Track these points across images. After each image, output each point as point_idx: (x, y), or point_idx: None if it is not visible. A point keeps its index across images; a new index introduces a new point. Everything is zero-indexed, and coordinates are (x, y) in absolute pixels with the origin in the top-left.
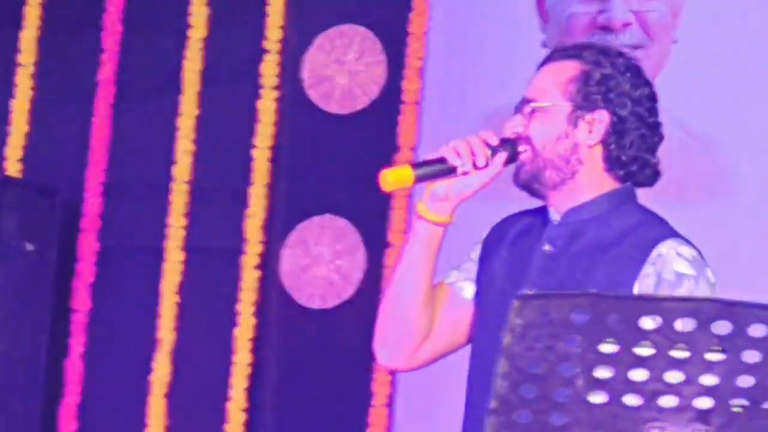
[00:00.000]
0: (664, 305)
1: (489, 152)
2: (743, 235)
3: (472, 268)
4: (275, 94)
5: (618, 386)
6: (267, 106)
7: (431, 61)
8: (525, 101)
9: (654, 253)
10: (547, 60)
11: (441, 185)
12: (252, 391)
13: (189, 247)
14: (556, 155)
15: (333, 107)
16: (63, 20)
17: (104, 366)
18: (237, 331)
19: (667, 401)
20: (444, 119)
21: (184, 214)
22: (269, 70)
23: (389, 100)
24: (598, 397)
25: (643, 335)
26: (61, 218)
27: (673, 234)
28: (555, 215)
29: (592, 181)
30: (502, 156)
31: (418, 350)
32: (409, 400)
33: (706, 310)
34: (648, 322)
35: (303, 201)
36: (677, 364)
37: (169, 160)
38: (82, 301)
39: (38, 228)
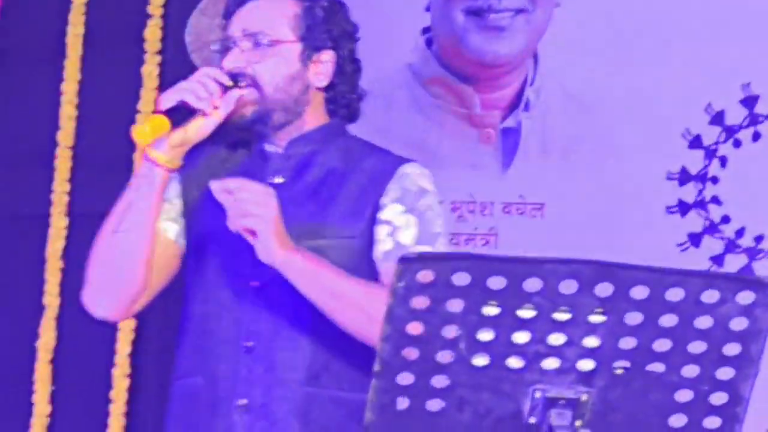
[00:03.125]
0: (546, 267)
1: (233, 93)
2: (618, 192)
3: (171, 208)
4: (158, 58)
5: (501, 348)
6: (150, 71)
7: None
8: (249, 34)
9: (399, 172)
10: None
11: (178, 131)
12: (135, 357)
13: (73, 213)
14: (287, 96)
15: None
16: None
17: None
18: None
19: (550, 363)
20: None
21: (68, 179)
22: (153, 35)
23: None
24: (481, 360)
25: (525, 297)
26: None
27: (408, 159)
28: (272, 148)
29: (315, 119)
30: (235, 94)
31: (138, 299)
32: None
33: (587, 272)
34: (530, 284)
35: None
36: (560, 326)
37: (51, 130)
38: None
39: None
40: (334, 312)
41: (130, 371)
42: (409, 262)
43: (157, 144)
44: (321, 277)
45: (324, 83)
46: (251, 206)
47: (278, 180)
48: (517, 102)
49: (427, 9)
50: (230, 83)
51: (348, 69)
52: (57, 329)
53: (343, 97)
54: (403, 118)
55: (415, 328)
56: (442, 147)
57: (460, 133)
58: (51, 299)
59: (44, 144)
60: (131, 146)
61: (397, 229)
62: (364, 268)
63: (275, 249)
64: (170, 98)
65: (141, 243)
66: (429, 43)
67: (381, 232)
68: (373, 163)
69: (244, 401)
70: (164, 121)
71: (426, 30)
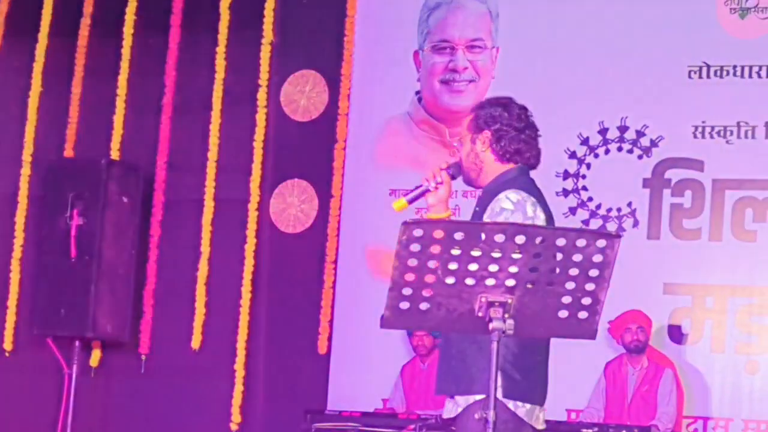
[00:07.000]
0: (487, 227)
1: (443, 174)
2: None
3: None
4: (265, 110)
5: (461, 273)
6: (261, 118)
7: (354, 90)
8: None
9: (495, 198)
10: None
11: (429, 199)
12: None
13: (217, 198)
14: (469, 163)
15: (298, 117)
16: (143, 67)
17: (168, 267)
18: (246, 247)
19: (490, 282)
20: (361, 125)
21: (215, 179)
22: (262, 96)
23: (330, 113)
24: (450, 280)
25: (475, 244)
26: (143, 183)
27: (512, 188)
28: (480, 192)
29: (492, 170)
30: (445, 174)
31: None
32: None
33: (510, 229)
34: (478, 236)
35: (281, 170)
36: (495, 260)
37: (205, 150)
38: (155, 230)
39: (130, 189)
40: None
41: (251, 296)
42: (408, 224)
43: (428, 208)
44: None
45: (483, 149)
46: None
47: (477, 209)
48: None
49: (418, 80)
50: (444, 167)
51: (502, 138)
52: (209, 266)
53: (501, 150)
54: (405, 142)
55: (411, 262)
56: (427, 159)
57: (437, 151)
58: (204, 247)
59: (200, 160)
60: (250, 160)
61: None
62: None
63: None
64: (418, 185)
65: None
66: (420, 100)
67: None
68: (494, 191)
69: None
70: (403, 203)
71: (418, 92)
